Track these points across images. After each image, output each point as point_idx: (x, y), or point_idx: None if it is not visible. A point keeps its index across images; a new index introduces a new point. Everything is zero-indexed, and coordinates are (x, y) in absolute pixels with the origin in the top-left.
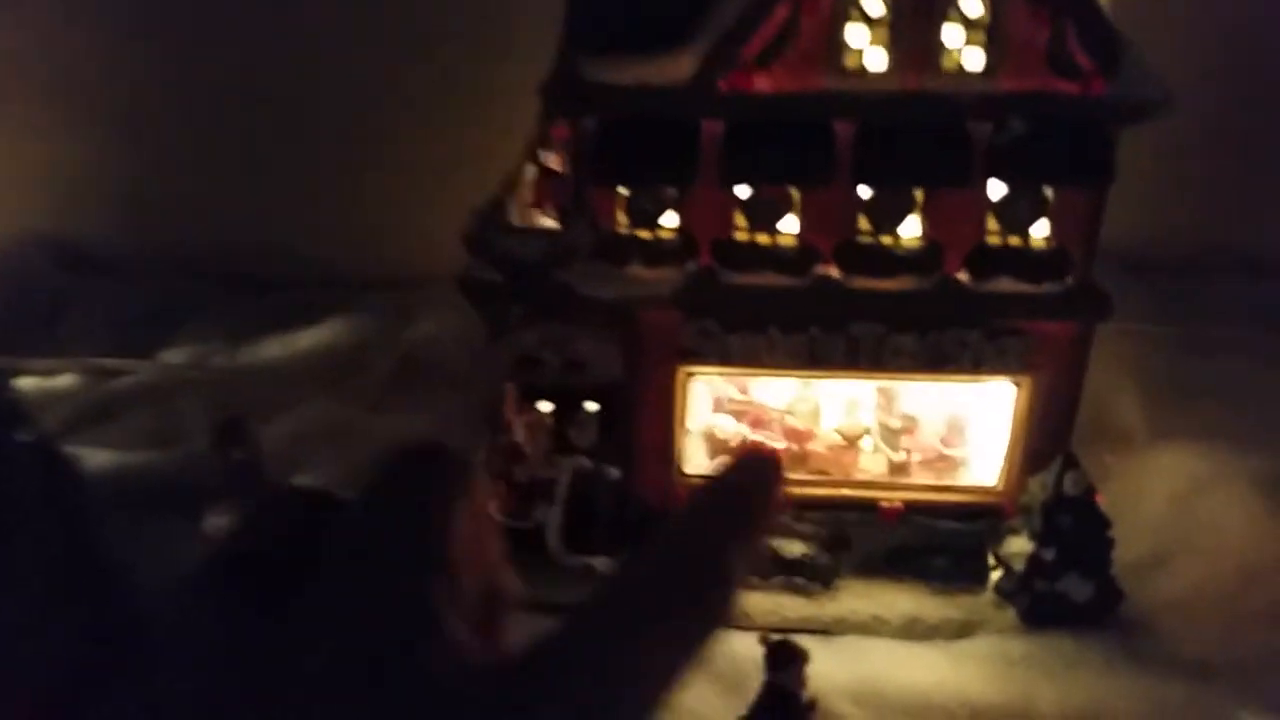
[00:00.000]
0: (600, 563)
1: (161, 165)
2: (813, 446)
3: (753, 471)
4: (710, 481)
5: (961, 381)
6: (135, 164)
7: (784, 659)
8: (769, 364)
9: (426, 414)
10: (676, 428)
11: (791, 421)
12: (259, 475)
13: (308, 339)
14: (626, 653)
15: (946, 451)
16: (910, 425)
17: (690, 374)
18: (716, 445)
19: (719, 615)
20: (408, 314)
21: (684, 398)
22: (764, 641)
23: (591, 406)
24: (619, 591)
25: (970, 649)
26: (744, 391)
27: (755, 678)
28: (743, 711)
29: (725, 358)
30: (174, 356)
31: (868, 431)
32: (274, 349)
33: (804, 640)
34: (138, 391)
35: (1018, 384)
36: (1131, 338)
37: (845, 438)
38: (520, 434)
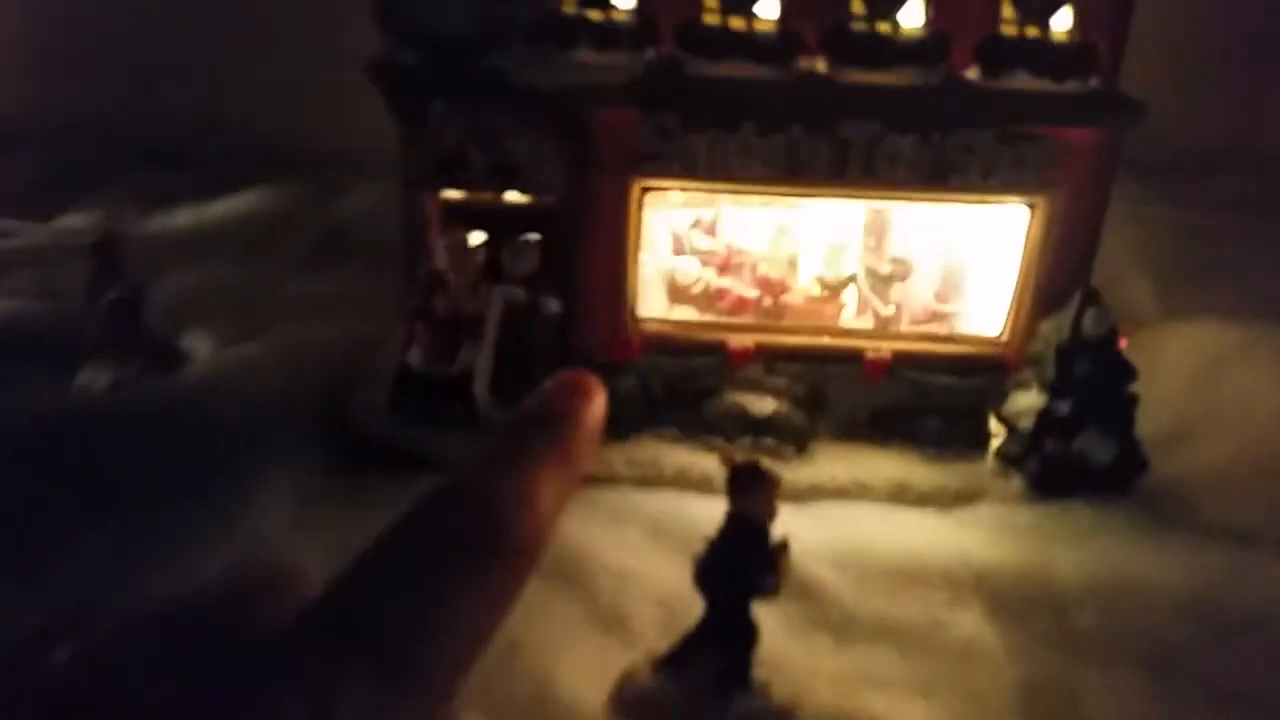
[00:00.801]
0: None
1: (87, 32)
2: (789, 299)
3: (561, 399)
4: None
5: (967, 202)
6: (56, 31)
7: (748, 482)
8: (740, 175)
9: (343, 282)
10: (629, 259)
11: (765, 270)
12: (139, 331)
13: (223, 208)
14: (425, 596)
15: (940, 307)
16: (902, 271)
17: (646, 189)
18: (677, 292)
19: (526, 553)
20: (339, 188)
21: (639, 221)
22: (725, 462)
23: (531, 236)
24: (414, 528)
25: (969, 516)
26: (711, 233)
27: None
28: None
29: (688, 165)
30: (74, 221)
31: (852, 280)
32: (186, 217)
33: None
34: (25, 252)
35: (1032, 205)
36: (1139, 223)
37: (826, 287)
38: (442, 259)
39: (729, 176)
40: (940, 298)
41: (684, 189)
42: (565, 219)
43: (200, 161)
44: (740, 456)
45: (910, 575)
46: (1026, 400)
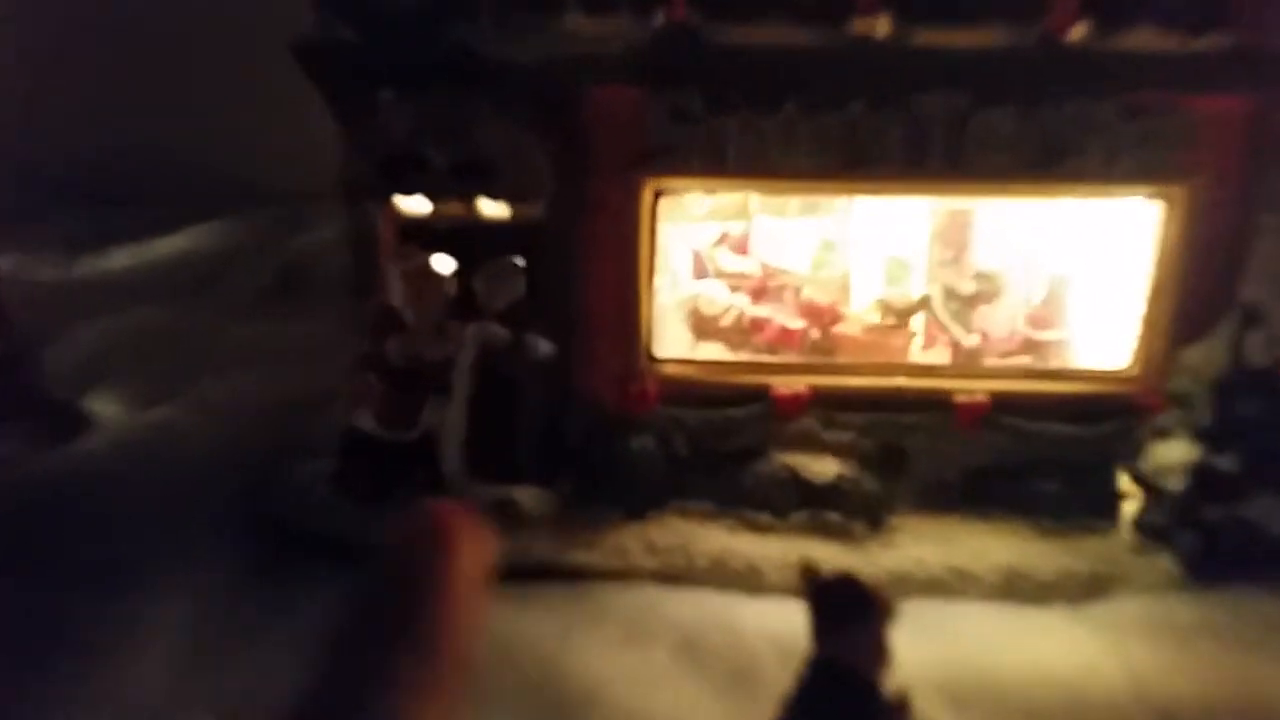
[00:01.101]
0: (526, 495)
1: (25, 65)
2: (843, 330)
3: (414, 572)
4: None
5: (1084, 195)
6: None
7: (845, 613)
8: (783, 168)
9: (299, 325)
10: (641, 284)
11: (811, 294)
12: (26, 392)
13: (165, 247)
14: None
15: (1038, 334)
16: (991, 289)
17: (660, 192)
18: (704, 325)
19: None
20: (299, 221)
21: (651, 234)
22: (805, 577)
23: (513, 259)
24: None
25: (1111, 614)
26: (741, 250)
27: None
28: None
29: (714, 159)
30: None
31: (925, 303)
32: (121, 258)
33: None
34: None
35: (1166, 197)
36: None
37: (890, 313)
38: (397, 291)
39: (767, 171)
40: (1037, 322)
41: (709, 191)
42: (556, 235)
43: (145, 197)
44: (826, 570)
45: (1061, 714)
46: (1172, 453)
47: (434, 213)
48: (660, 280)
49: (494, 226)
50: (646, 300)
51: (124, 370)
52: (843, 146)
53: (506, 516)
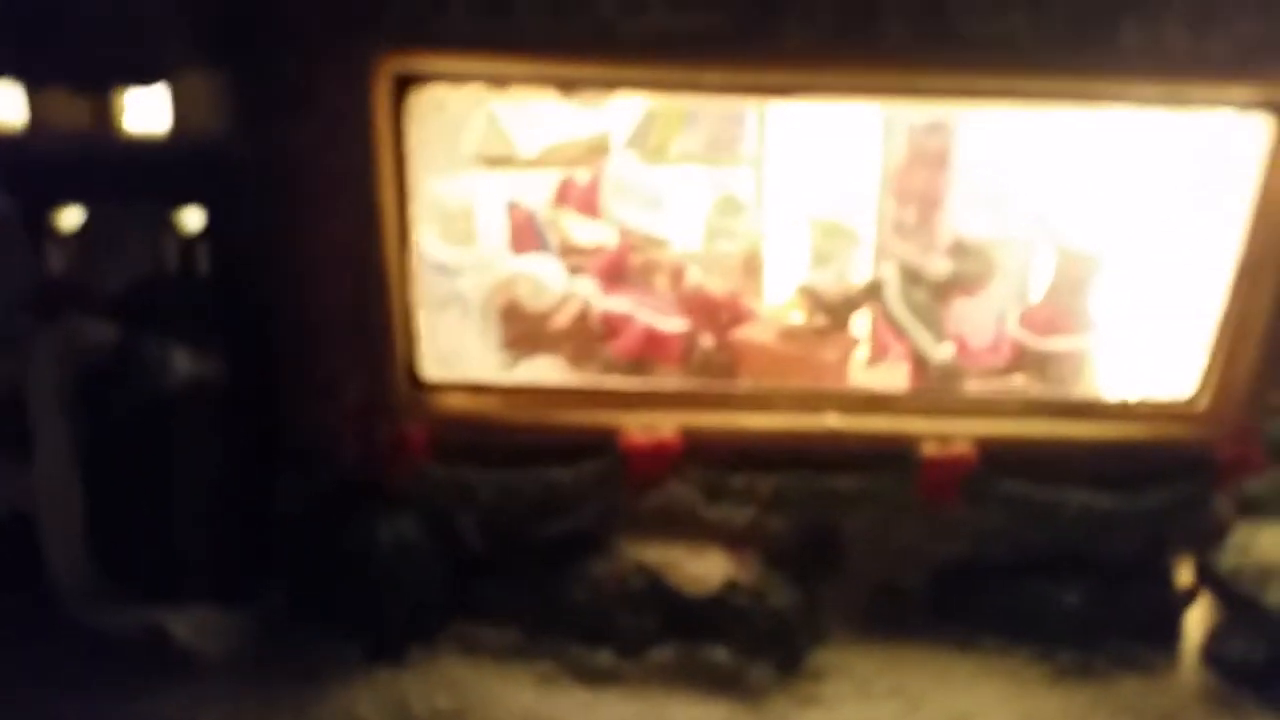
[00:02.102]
0: (193, 623)
1: None
2: (749, 335)
3: None
4: None
5: (1137, 101)
6: None
7: None
8: (624, 39)
9: None
10: (387, 250)
11: (700, 279)
12: None
13: None
14: None
15: (1038, 343)
16: (973, 271)
17: (406, 79)
18: (524, 326)
19: None
20: None
21: (397, 153)
22: None
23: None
24: None
25: None
26: (589, 209)
27: None
28: None
29: (495, 10)
30: None
31: (871, 295)
32: None
33: None
34: None
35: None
36: None
37: (820, 307)
38: None
39: (595, 39)
40: (1040, 323)
41: (495, 83)
42: (234, 162)
43: None
44: None
45: None
46: (1266, 541)
47: (30, 122)
48: (425, 244)
49: (137, 148)
50: (401, 280)
51: None
52: None
53: (159, 659)
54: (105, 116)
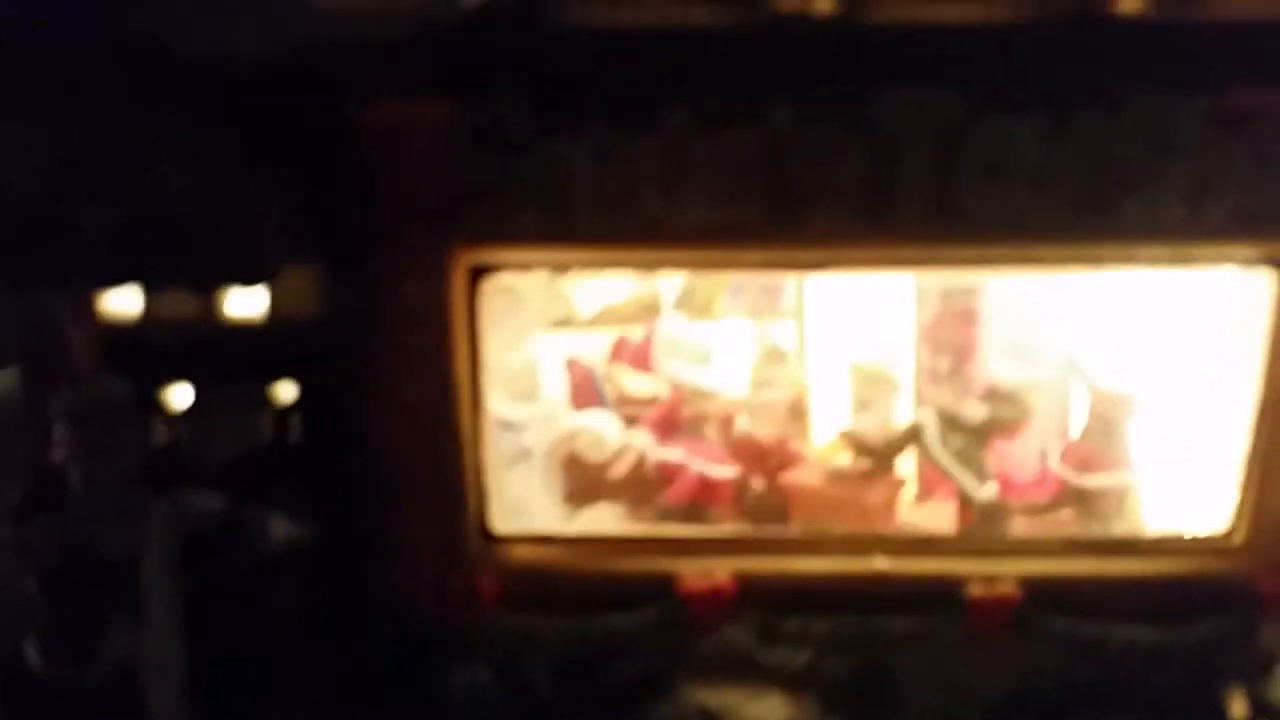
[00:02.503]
0: None
1: None
2: (797, 478)
3: None
4: None
5: (1153, 262)
6: None
7: None
8: (669, 227)
9: None
10: (462, 416)
11: (747, 426)
12: None
13: None
14: None
15: (1080, 478)
16: (1009, 415)
17: (479, 268)
18: (585, 477)
19: None
20: None
21: (472, 330)
22: None
23: (286, 389)
24: None
25: None
26: (643, 364)
27: None
28: None
29: (557, 210)
30: None
31: (912, 438)
32: None
33: None
34: None
35: None
36: None
37: (864, 452)
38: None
39: (642, 229)
40: (1081, 459)
41: (556, 267)
42: (326, 343)
43: None
44: None
45: None
46: None
47: (146, 313)
48: (509, 410)
49: (236, 333)
50: (473, 442)
51: None
52: (763, 184)
53: None
54: (210, 306)
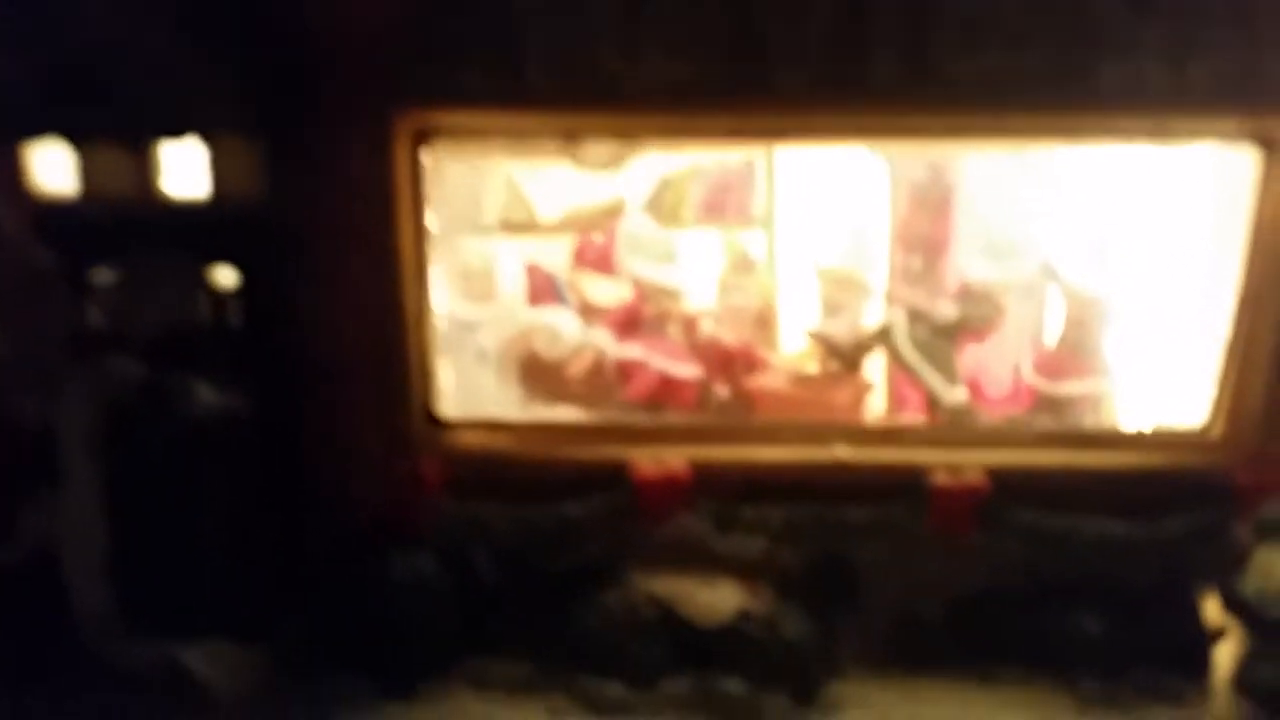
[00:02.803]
0: (211, 658)
1: None
2: (764, 381)
3: None
4: None
5: (1132, 135)
6: None
7: None
8: (626, 87)
9: None
10: (405, 295)
11: (714, 329)
12: None
13: None
14: None
15: (1054, 387)
16: (981, 315)
17: (423, 133)
18: (542, 374)
19: None
20: None
21: (416, 203)
22: None
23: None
24: None
25: None
26: (605, 266)
27: None
28: None
29: (506, 69)
30: None
31: (880, 340)
32: None
33: None
34: None
35: (1268, 135)
36: None
37: (833, 354)
38: None
39: (598, 90)
40: (1054, 368)
41: (508, 132)
42: (264, 217)
43: None
44: None
45: None
46: None
47: (83, 189)
48: (465, 310)
49: (171, 210)
50: (418, 323)
51: None
52: (725, 38)
53: (177, 694)
54: (146, 181)
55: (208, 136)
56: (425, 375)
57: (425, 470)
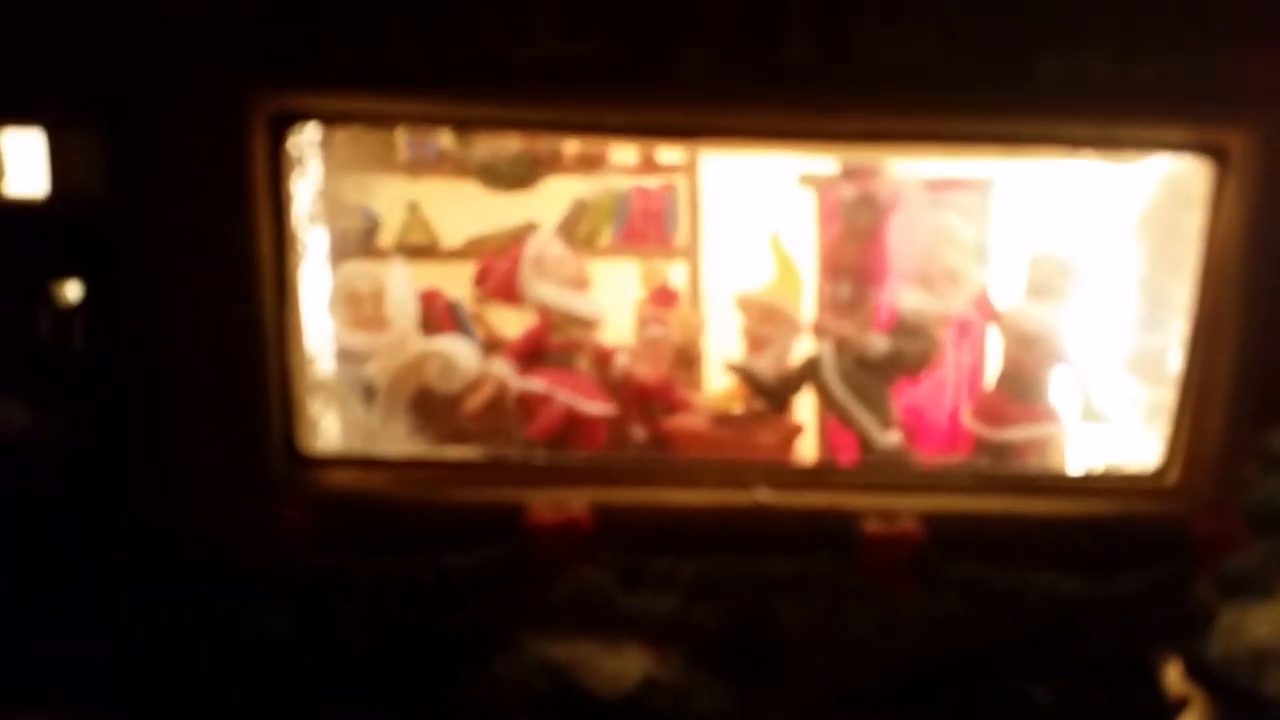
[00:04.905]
0: None
1: None
2: (683, 422)
3: None
4: None
5: (1070, 147)
6: None
7: None
8: (507, 74)
9: None
10: (264, 311)
11: (630, 364)
12: None
13: None
14: None
15: (991, 433)
16: (916, 350)
17: (284, 118)
18: (435, 408)
19: None
20: None
21: (276, 200)
22: None
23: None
24: None
25: None
26: (508, 292)
27: None
28: None
29: (374, 50)
30: None
31: (808, 375)
32: None
33: None
34: None
35: (1222, 151)
36: None
37: (755, 389)
38: None
39: (474, 76)
40: (992, 412)
41: (377, 121)
42: (100, 216)
43: None
44: None
45: None
46: (1265, 622)
47: None
48: (351, 339)
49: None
50: (280, 344)
51: None
52: (621, 22)
53: None
54: None
55: (34, 125)
56: (288, 405)
57: (285, 512)
